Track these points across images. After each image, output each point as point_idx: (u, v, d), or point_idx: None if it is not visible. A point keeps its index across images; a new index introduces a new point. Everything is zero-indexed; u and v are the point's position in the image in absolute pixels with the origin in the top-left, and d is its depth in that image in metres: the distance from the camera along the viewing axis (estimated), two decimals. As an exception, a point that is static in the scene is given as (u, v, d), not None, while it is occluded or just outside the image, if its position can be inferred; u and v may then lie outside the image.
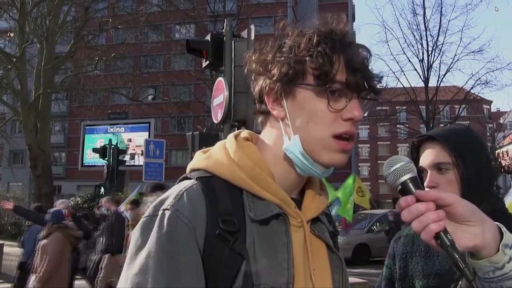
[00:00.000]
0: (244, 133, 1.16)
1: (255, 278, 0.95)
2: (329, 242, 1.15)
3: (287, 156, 1.06)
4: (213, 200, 0.99)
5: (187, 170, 1.12)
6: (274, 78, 1.05)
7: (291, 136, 1.05)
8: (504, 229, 1.03)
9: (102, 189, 17.07)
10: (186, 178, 1.08)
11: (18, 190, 30.83)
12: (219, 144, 1.13)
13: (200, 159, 1.11)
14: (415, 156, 1.67)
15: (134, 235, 0.99)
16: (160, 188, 5.20)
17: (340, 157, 1.06)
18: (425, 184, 1.59)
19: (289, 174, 1.09)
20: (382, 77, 1.08)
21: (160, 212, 0.97)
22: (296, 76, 1.03)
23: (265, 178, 1.04)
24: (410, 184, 1.01)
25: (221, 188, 1.02)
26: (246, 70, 1.13)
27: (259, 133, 1.16)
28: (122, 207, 9.90)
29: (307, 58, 1.02)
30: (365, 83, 1.05)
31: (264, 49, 1.10)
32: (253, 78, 1.12)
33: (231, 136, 1.14)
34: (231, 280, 0.94)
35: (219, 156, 1.08)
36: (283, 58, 1.05)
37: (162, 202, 1.00)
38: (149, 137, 18.98)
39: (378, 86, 1.08)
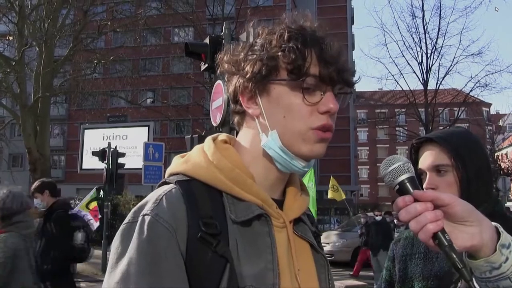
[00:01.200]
0: (222, 136, 1.16)
1: (240, 280, 0.94)
2: (313, 242, 1.15)
3: (266, 154, 1.06)
4: (193, 203, 0.98)
5: (166, 175, 1.11)
6: (247, 76, 1.05)
7: (268, 133, 1.04)
8: (501, 229, 1.03)
9: (102, 192, 17.06)
10: (165, 183, 1.06)
11: (17, 194, 30.73)
12: (197, 147, 1.13)
13: (178, 163, 1.10)
14: (414, 158, 1.67)
15: (114, 243, 0.97)
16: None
17: (320, 147, 1.05)
18: (424, 186, 1.59)
19: (269, 174, 1.09)
20: (355, 70, 1.09)
21: (140, 218, 0.96)
22: (269, 72, 1.03)
23: (245, 180, 1.04)
24: (408, 184, 1.01)
25: (201, 191, 1.02)
26: (218, 72, 1.14)
27: None
28: (78, 209, 9.88)
29: (279, 54, 1.02)
30: (339, 76, 1.04)
31: (236, 50, 1.10)
32: (226, 79, 1.12)
33: (209, 139, 1.13)
34: (216, 283, 0.93)
35: (197, 159, 1.07)
36: (255, 56, 1.05)
37: (141, 208, 0.99)
38: (148, 140, 18.97)
39: (351, 79, 1.08)
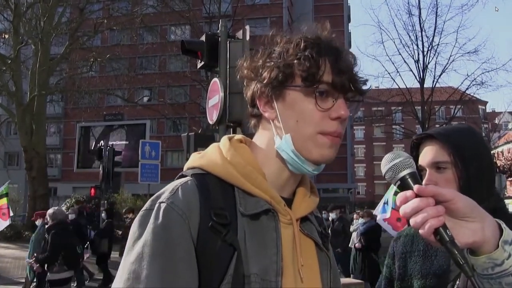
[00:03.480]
0: (238, 136, 1.22)
1: (245, 269, 1.00)
2: (318, 241, 1.19)
3: (279, 155, 1.12)
4: (206, 194, 1.05)
5: (184, 169, 1.18)
6: (264, 82, 1.11)
7: (282, 136, 1.10)
8: (503, 225, 1.02)
9: (98, 191, 17.05)
10: (183, 176, 1.13)
11: (14, 192, 30.72)
12: (213, 145, 1.20)
13: (195, 159, 1.17)
14: (414, 154, 1.66)
15: (132, 228, 1.04)
16: None
17: (329, 152, 1.10)
18: (423, 182, 1.58)
19: (281, 174, 1.14)
20: (366, 80, 1.14)
21: (156, 205, 1.03)
22: (285, 79, 1.09)
23: (256, 176, 1.10)
24: (409, 180, 1.01)
25: (214, 184, 1.08)
26: (238, 77, 1.20)
27: (252, 136, 1.22)
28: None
29: (295, 62, 1.08)
30: (350, 85, 1.09)
31: (255, 57, 1.16)
32: (245, 84, 1.18)
33: (225, 138, 1.20)
34: (223, 270, 0.99)
35: (213, 155, 1.14)
36: (272, 63, 1.11)
37: (158, 196, 1.06)
38: (144, 138, 18.96)
39: (362, 88, 1.13)
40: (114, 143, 18.87)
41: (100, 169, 15.48)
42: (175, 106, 31.96)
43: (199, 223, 1.01)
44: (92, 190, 17.76)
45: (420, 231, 0.97)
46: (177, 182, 1.09)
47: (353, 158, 63.01)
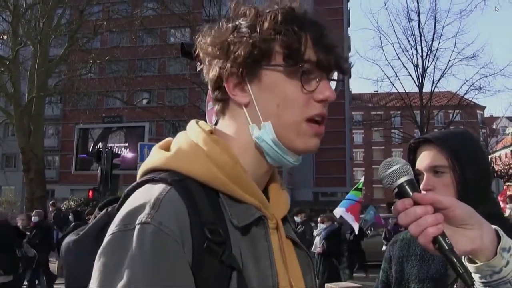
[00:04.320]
0: (204, 124, 1.05)
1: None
2: (296, 240, 1.08)
3: (255, 147, 0.98)
4: (194, 208, 0.87)
5: (144, 170, 0.99)
6: (237, 61, 0.95)
7: (260, 124, 0.96)
8: (501, 232, 1.02)
9: (96, 193, 17.01)
10: (152, 180, 0.92)
11: (11, 194, 30.67)
12: (183, 136, 1.01)
13: (163, 157, 0.97)
14: (411, 158, 1.66)
15: (101, 257, 0.82)
16: None
17: (314, 142, 0.99)
18: (421, 187, 1.58)
19: (258, 168, 1.00)
20: (348, 57, 1.04)
21: (137, 227, 0.82)
22: (262, 56, 0.95)
23: (245, 178, 0.95)
24: (407, 187, 0.99)
25: (198, 192, 0.90)
26: (196, 55, 1.02)
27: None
28: None
29: (275, 37, 0.94)
30: (336, 63, 0.98)
31: (218, 31, 1.00)
32: (207, 63, 1.01)
33: (195, 126, 1.02)
34: None
35: (190, 153, 0.95)
36: (245, 38, 0.95)
37: (133, 213, 0.84)
38: (143, 141, 18.92)
39: (347, 67, 1.02)
40: (112, 145, 18.85)
41: (99, 171, 15.42)
42: (174, 109, 31.95)
43: (192, 246, 0.84)
44: (90, 193, 17.68)
45: (419, 239, 0.95)
46: (155, 192, 0.87)
47: (351, 162, 62.91)
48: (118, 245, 0.82)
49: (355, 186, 12.53)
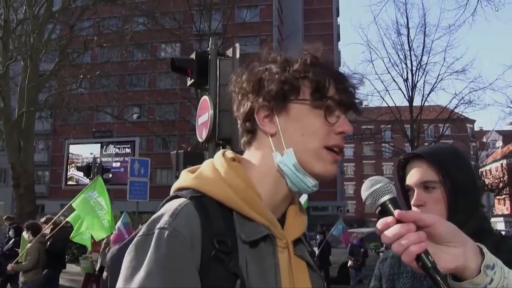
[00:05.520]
0: (230, 153, 1.17)
1: None
2: (310, 262, 1.16)
3: (276, 173, 1.10)
4: (207, 220, 1.00)
5: (173, 189, 1.13)
6: (269, 95, 1.09)
7: (283, 151, 1.08)
8: (485, 249, 1.02)
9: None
10: (177, 196, 1.07)
11: (0, 210, 30.35)
12: (208, 163, 1.14)
13: (188, 179, 1.11)
14: (401, 174, 1.66)
15: (127, 256, 0.98)
16: None
17: (332, 168, 1.10)
18: (412, 202, 1.57)
19: (277, 193, 1.11)
20: (363, 101, 1.17)
21: (156, 231, 0.97)
22: (291, 91, 1.08)
23: (256, 200, 1.06)
24: (390, 205, 1.00)
25: (213, 208, 1.03)
26: (232, 89, 1.16)
27: (241, 153, 1.19)
28: None
29: (305, 75, 1.08)
30: (354, 104, 1.13)
31: (253, 70, 1.13)
32: (239, 97, 1.14)
33: (219, 155, 1.15)
34: None
35: (210, 176, 1.09)
36: (277, 76, 1.09)
37: (156, 220, 1.00)
38: (134, 155, 18.85)
39: (360, 109, 1.18)
40: (103, 160, 18.76)
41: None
42: (165, 124, 31.97)
43: (201, 251, 0.96)
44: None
45: (402, 258, 0.96)
46: (175, 205, 1.02)
47: (342, 176, 63.02)
48: (141, 247, 0.97)
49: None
